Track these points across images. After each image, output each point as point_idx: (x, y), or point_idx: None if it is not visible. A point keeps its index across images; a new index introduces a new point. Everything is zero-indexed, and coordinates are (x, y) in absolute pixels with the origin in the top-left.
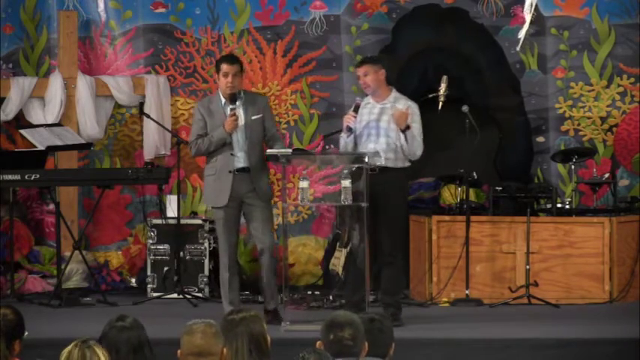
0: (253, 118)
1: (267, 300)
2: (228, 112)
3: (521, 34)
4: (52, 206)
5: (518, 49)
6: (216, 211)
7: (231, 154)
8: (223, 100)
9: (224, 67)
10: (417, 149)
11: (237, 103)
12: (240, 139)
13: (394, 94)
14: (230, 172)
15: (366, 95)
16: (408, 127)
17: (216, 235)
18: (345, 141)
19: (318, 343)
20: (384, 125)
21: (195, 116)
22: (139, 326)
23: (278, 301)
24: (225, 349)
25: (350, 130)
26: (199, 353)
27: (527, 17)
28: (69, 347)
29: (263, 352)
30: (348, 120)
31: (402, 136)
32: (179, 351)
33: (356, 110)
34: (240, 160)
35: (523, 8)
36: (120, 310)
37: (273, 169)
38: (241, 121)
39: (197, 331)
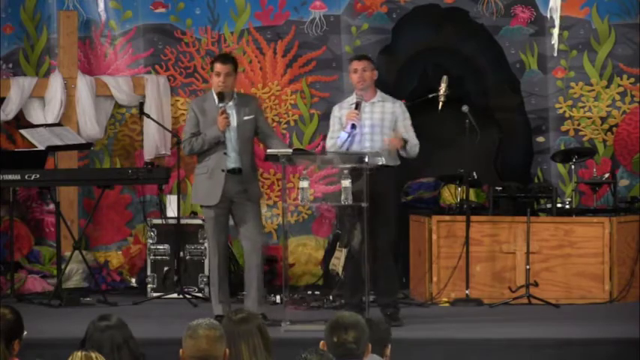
0: (245, 118)
1: (256, 301)
2: None
3: (554, 40)
4: (52, 206)
5: (555, 54)
6: (206, 210)
7: (225, 154)
8: (217, 99)
9: (217, 66)
10: (416, 149)
11: (226, 101)
12: (233, 139)
13: (380, 93)
14: (222, 171)
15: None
16: (405, 142)
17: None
18: (342, 140)
19: (322, 343)
20: (377, 123)
21: (189, 114)
22: (121, 324)
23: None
24: (227, 350)
25: (354, 127)
26: (204, 357)
27: (556, 20)
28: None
29: (270, 349)
30: (353, 117)
31: (403, 151)
32: (181, 350)
33: (357, 108)
34: (233, 160)
35: (549, 9)
36: (120, 310)
37: (272, 169)
38: (233, 121)
39: (202, 335)
